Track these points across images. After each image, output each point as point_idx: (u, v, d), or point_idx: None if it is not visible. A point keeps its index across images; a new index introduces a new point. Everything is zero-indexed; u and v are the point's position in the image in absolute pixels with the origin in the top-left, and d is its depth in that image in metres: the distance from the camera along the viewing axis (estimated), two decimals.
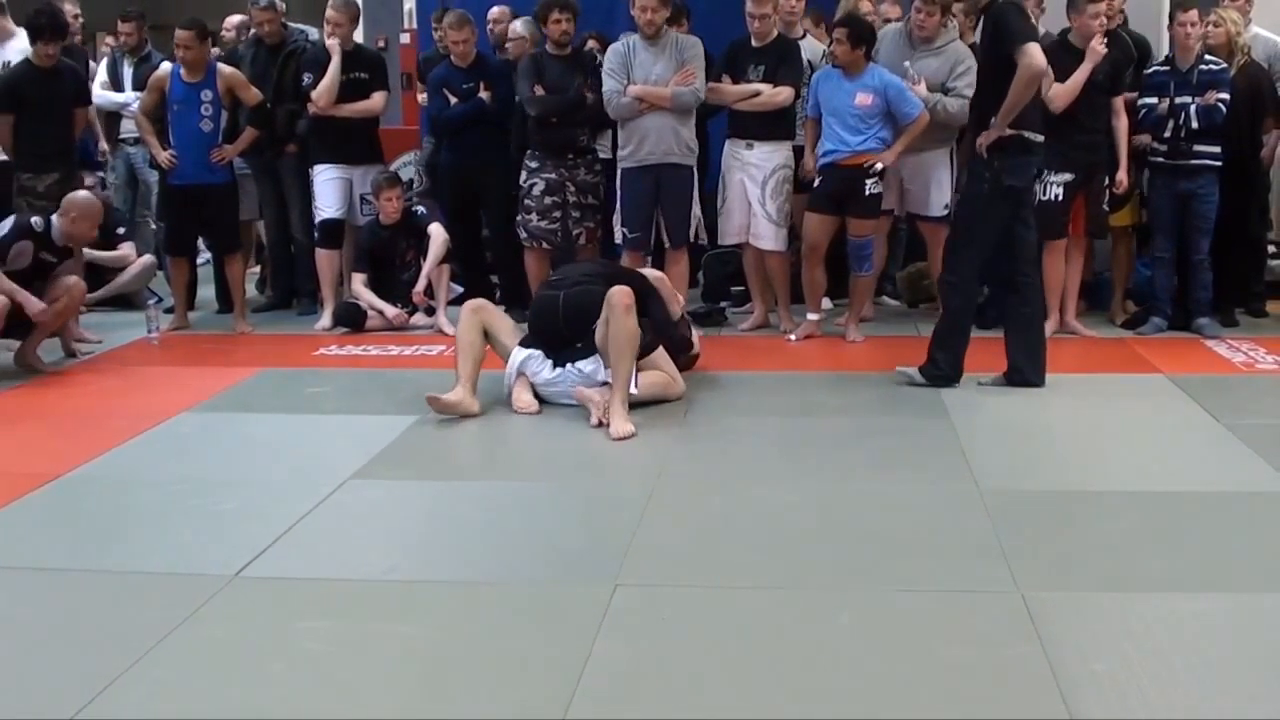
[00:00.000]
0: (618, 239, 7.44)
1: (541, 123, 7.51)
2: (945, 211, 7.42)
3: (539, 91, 7.42)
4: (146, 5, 9.29)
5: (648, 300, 5.99)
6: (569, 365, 5.83)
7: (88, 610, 3.72)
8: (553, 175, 7.56)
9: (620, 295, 5.68)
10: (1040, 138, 5.97)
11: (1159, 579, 3.83)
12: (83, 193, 7.16)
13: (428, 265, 7.79)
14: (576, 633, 3.46)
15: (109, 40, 9.72)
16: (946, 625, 3.50)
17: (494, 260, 8.31)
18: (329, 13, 7.91)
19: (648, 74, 7.16)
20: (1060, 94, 6.95)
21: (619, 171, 7.39)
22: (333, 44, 7.85)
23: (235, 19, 9.02)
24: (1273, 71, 7.75)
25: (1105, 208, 7.32)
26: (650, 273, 6.44)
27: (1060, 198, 7.17)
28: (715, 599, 3.73)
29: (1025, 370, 6.09)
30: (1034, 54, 5.68)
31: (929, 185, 7.38)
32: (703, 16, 7.88)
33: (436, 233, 7.81)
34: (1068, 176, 7.13)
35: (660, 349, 5.99)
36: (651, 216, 7.33)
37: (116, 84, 8.95)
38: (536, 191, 7.57)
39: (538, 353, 5.90)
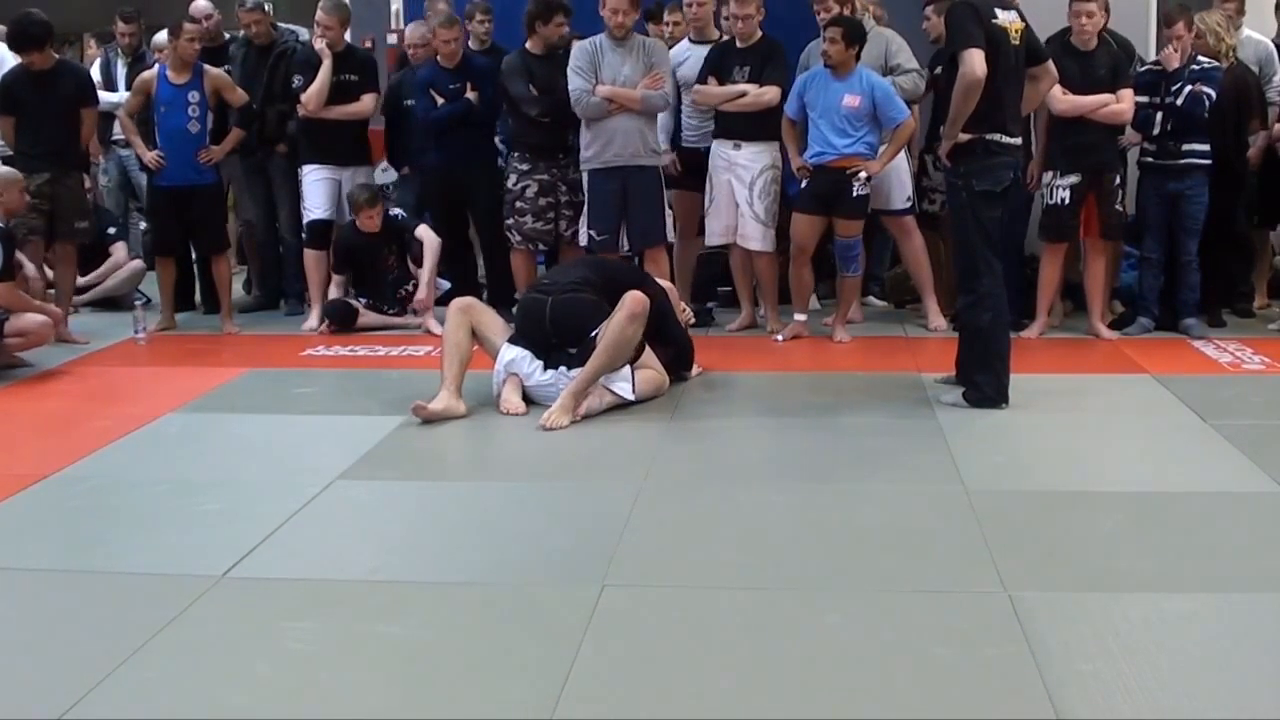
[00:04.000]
0: (583, 241, 7.40)
1: (533, 124, 7.50)
2: (908, 204, 7.55)
3: (534, 92, 7.41)
4: (139, 4, 9.26)
5: (663, 314, 6.01)
6: (561, 368, 5.83)
7: (74, 611, 3.71)
8: (545, 176, 7.54)
9: (633, 301, 5.70)
10: (1011, 139, 5.77)
11: (1146, 579, 3.84)
12: (2, 168, 7.18)
13: (425, 274, 7.76)
14: (563, 633, 3.46)
15: (91, 42, 9.67)
16: (933, 625, 3.50)
17: (482, 260, 8.31)
18: (318, 15, 7.89)
19: (616, 75, 7.15)
20: (1062, 107, 6.98)
21: (585, 173, 7.36)
22: (322, 48, 7.84)
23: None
24: (1262, 74, 7.77)
25: (1119, 207, 7.30)
26: (662, 283, 6.38)
27: (1067, 201, 7.16)
28: (702, 600, 3.73)
29: (984, 386, 5.77)
30: (972, 61, 5.48)
31: (890, 181, 7.44)
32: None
33: (429, 239, 7.78)
34: (1074, 179, 7.13)
35: (648, 349, 6.01)
36: (620, 218, 7.30)
37: (110, 84, 8.92)
38: (530, 194, 7.55)
39: (527, 353, 5.88)
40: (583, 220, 7.42)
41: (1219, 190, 7.32)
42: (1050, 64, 6.07)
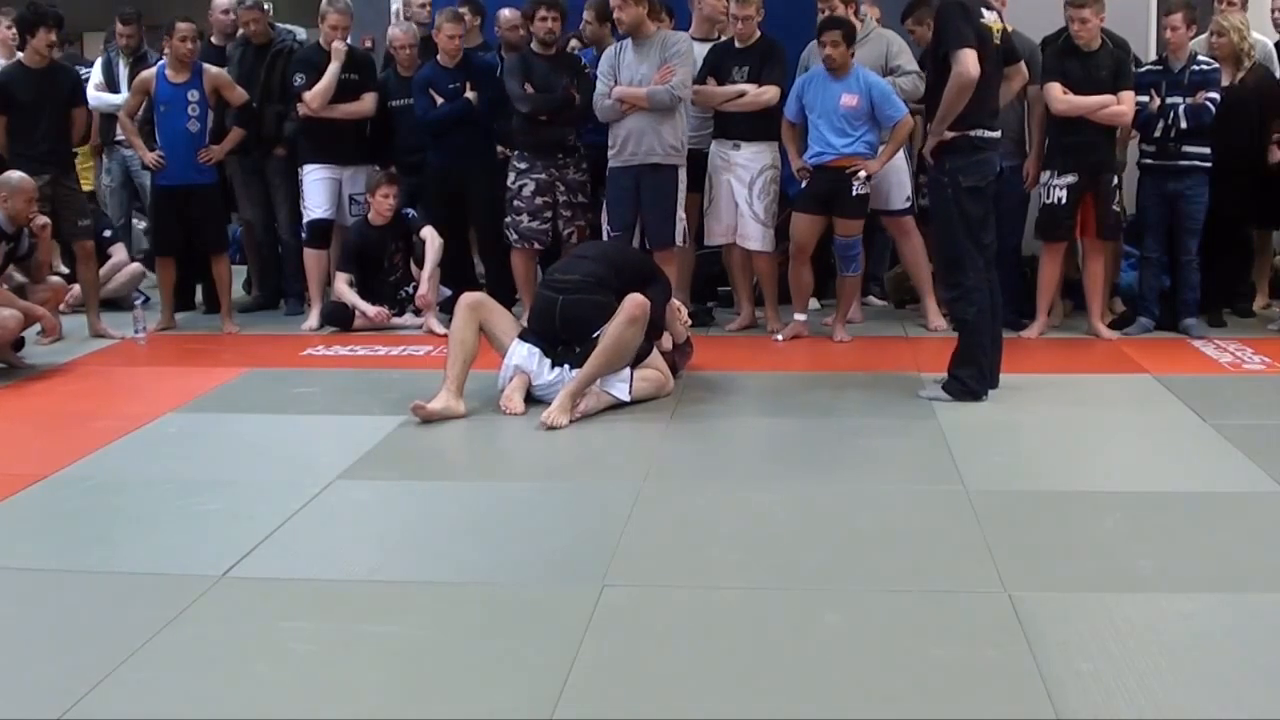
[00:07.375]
0: (604, 237, 7.42)
1: (531, 122, 7.50)
2: (907, 204, 7.55)
3: (528, 90, 7.42)
4: (139, 4, 9.27)
5: (651, 285, 5.99)
6: (565, 366, 5.83)
7: (74, 611, 3.71)
8: (542, 175, 7.55)
9: (633, 305, 5.70)
10: (994, 134, 5.84)
11: (1145, 579, 3.84)
12: (13, 172, 7.04)
13: (427, 270, 7.76)
14: (563, 633, 3.46)
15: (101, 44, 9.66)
16: (933, 625, 3.51)
17: (480, 260, 8.30)
18: (333, 16, 7.89)
19: (633, 75, 7.14)
20: (1062, 108, 6.98)
21: (607, 170, 7.36)
22: (339, 47, 7.83)
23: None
24: None
25: (1117, 208, 7.28)
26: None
27: (1064, 200, 7.16)
28: (702, 599, 3.73)
29: (966, 380, 5.86)
30: (966, 61, 5.54)
31: (889, 181, 7.45)
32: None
33: (432, 237, 7.78)
34: (1070, 179, 7.13)
35: (656, 351, 6.01)
36: (635, 216, 7.30)
37: (112, 85, 8.91)
38: (527, 192, 7.56)
39: (537, 350, 5.87)
40: (603, 215, 7.42)
41: (1231, 191, 7.30)
42: (1022, 65, 6.18)
